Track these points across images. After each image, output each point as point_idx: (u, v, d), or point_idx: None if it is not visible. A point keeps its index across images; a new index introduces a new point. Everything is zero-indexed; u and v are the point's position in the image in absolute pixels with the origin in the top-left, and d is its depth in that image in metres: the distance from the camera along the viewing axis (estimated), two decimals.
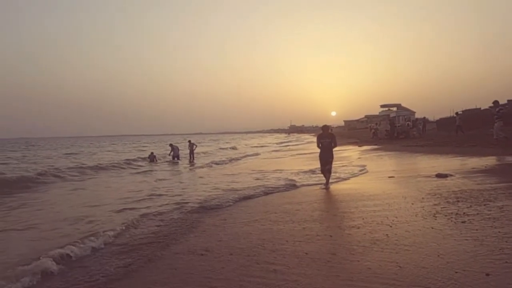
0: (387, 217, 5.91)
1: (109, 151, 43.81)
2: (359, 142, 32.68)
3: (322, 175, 10.23)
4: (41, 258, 4.53)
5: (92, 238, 5.46)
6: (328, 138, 9.85)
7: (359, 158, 18.73)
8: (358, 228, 5.43)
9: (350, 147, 28.89)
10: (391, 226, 5.37)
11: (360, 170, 13.10)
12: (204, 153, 31.14)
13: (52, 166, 19.18)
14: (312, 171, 13.38)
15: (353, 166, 14.88)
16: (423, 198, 7.25)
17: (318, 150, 10.11)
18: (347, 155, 21.54)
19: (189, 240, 5.47)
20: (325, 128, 9.98)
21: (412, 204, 6.78)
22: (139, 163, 22.27)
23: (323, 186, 9.73)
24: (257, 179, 12.59)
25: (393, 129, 33.42)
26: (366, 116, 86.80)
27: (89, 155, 35.40)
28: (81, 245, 5.09)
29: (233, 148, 40.01)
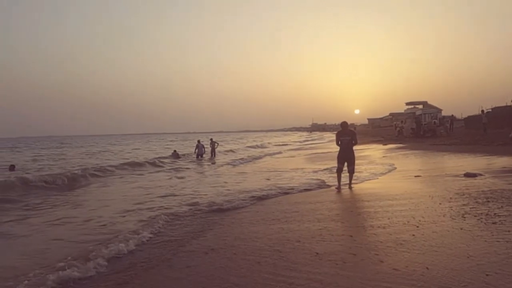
0: (414, 217, 5.77)
1: (137, 149, 44.74)
2: (384, 141, 32.08)
3: (337, 175, 9.40)
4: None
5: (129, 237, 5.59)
6: (348, 135, 9.26)
7: (384, 156, 18.40)
8: (384, 228, 5.32)
9: (375, 145, 28.42)
10: (417, 227, 5.24)
11: (385, 169, 12.86)
12: (229, 151, 31.25)
13: (98, 164, 19.62)
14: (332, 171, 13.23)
15: (378, 165, 14.64)
16: (451, 198, 7.04)
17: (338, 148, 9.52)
18: (371, 153, 21.19)
19: (208, 239, 5.50)
20: (344, 124, 9.38)
21: (440, 204, 6.60)
22: (166, 160, 22.47)
23: (336, 188, 9.12)
24: (278, 178, 12.56)
25: (419, 127, 32.65)
26: (391, 114, 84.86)
27: (122, 153, 36.25)
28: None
29: (256, 146, 39.98)
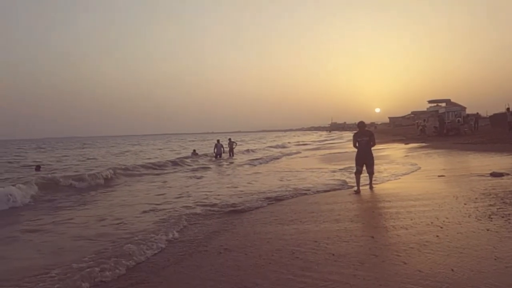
0: (437, 218, 5.63)
1: (159, 149, 45.43)
2: (406, 140, 31.49)
3: (360, 177, 8.96)
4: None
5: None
6: (365, 136, 8.83)
7: (405, 156, 18.04)
8: (406, 229, 5.21)
9: (396, 144, 27.92)
10: (441, 227, 5.11)
11: (407, 169, 12.61)
12: (248, 151, 31.27)
13: (124, 164, 19.99)
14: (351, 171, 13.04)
15: (400, 164, 14.37)
16: (476, 198, 6.84)
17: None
18: (392, 153, 20.83)
19: (222, 240, 5.52)
20: (362, 125, 8.97)
21: (465, 204, 6.42)
22: (187, 160, 22.59)
23: (355, 191, 8.69)
24: (295, 178, 12.49)
25: (442, 125, 31.89)
26: (413, 113, 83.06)
27: (143, 153, 36.93)
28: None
29: (275, 146, 39.86)
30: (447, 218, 5.59)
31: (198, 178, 14.11)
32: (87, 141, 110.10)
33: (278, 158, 24.14)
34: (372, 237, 4.98)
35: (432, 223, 5.39)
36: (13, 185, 10.26)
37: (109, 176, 14.18)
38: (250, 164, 19.91)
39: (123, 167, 17.43)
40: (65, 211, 8.40)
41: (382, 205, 7.03)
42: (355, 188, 8.80)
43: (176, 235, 5.71)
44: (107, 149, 48.57)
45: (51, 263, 4.62)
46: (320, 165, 16.49)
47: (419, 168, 12.65)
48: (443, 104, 56.90)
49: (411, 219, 5.70)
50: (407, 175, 11.35)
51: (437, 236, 4.75)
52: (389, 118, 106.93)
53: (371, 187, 8.95)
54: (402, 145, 26.32)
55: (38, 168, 18.91)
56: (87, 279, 3.95)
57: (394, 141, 32.17)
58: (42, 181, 12.02)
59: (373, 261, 4.07)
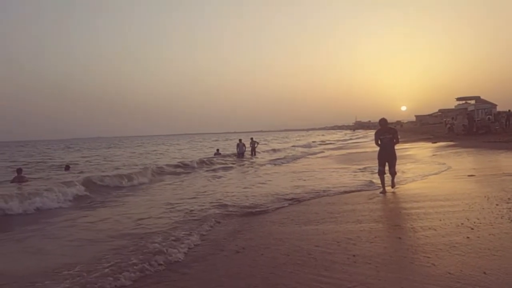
0: (468, 219, 5.46)
1: (183, 148, 46.05)
2: (433, 138, 30.69)
3: (380, 178, 8.62)
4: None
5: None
6: (388, 133, 8.43)
7: (433, 155, 17.57)
8: (435, 230, 5.08)
9: (423, 143, 27.23)
10: (472, 229, 4.96)
11: (435, 168, 12.27)
12: (271, 150, 31.22)
13: (157, 163, 20.37)
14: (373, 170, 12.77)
15: (427, 163, 14.01)
16: (509, 198, 6.59)
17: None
18: (419, 152, 20.34)
19: (242, 239, 5.54)
20: (384, 122, 8.56)
21: (497, 205, 6.19)
22: (210, 160, 22.65)
23: (381, 192, 8.36)
24: (318, 178, 12.37)
25: (471, 123, 30.90)
26: (440, 110, 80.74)
27: (168, 153, 37.59)
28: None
29: (298, 145, 39.60)
30: (478, 219, 5.42)
31: (219, 178, 14.18)
32: (113, 141, 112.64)
33: (300, 158, 23.99)
34: (399, 238, 4.88)
35: (462, 224, 5.24)
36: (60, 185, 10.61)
37: (136, 173, 14.39)
38: (272, 164, 19.85)
39: (153, 166, 17.53)
40: (101, 209, 8.68)
41: (409, 206, 6.86)
42: (381, 189, 8.52)
43: (194, 234, 5.71)
44: (133, 149, 49.61)
45: (72, 262, 4.73)
46: (343, 165, 16.26)
47: (448, 167, 12.29)
48: (473, 102, 55.06)
49: (440, 220, 5.55)
50: (435, 174, 11.03)
51: (468, 237, 4.61)
52: (416, 116, 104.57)
53: (392, 190, 8.45)
54: (430, 144, 25.65)
55: (67, 167, 19.50)
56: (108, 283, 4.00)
57: (421, 139, 31.39)
58: (86, 180, 12.25)
59: (401, 262, 3.99)
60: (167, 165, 18.86)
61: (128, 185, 12.92)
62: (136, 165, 20.78)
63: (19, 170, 13.75)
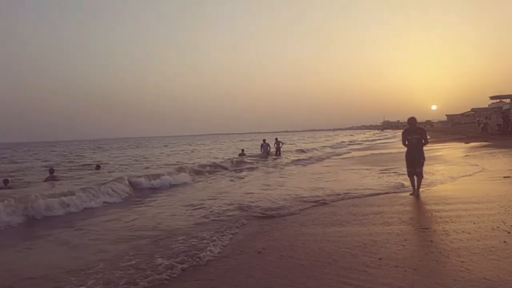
0: (504, 222, 5.19)
1: (210, 148, 46.62)
2: (466, 138, 29.55)
3: (409, 179, 8.32)
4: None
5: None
6: (416, 133, 8.05)
7: (466, 156, 16.90)
8: (469, 233, 4.86)
9: (455, 144, 26.29)
10: (509, 232, 4.70)
11: (469, 169, 11.78)
12: (296, 151, 30.96)
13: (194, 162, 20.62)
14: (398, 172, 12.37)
15: (460, 165, 13.48)
16: None
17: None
18: (451, 152, 19.64)
19: (263, 241, 5.48)
20: (412, 121, 8.13)
21: None
22: (235, 160, 22.66)
23: (411, 193, 8.06)
24: (343, 179, 12.14)
25: (506, 123, 29.56)
26: (473, 109, 77.92)
27: (195, 153, 38.16)
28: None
29: (324, 146, 39.11)
30: None
31: (243, 178, 14.18)
32: (141, 141, 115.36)
33: (326, 158, 23.70)
34: (431, 241, 4.69)
35: (498, 227, 4.98)
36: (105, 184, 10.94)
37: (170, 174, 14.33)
38: (297, 164, 19.70)
39: (188, 166, 17.61)
40: (132, 209, 8.86)
41: (441, 208, 6.59)
42: (412, 191, 8.18)
43: (218, 235, 5.67)
44: (160, 149, 50.62)
45: (95, 259, 4.85)
46: (369, 166, 15.87)
47: (482, 169, 11.77)
48: (507, 100, 52.77)
49: (474, 223, 5.30)
50: (468, 176, 10.59)
51: (505, 241, 4.38)
52: (447, 115, 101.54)
53: (417, 194, 7.95)
54: (462, 144, 24.72)
55: (98, 167, 20.09)
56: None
57: (453, 140, 30.33)
58: (133, 180, 12.47)
59: (433, 266, 3.83)
60: (199, 165, 18.86)
61: (160, 184, 12.83)
62: (168, 165, 21.11)
63: (51, 170, 14.29)
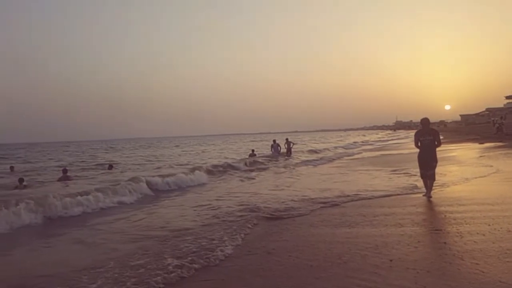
0: None
1: (220, 149, 46.74)
2: (480, 139, 29.03)
3: (422, 181, 8.19)
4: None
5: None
6: (429, 135, 7.86)
7: (480, 156, 16.59)
8: (483, 235, 4.75)
9: (469, 144, 25.86)
10: None
11: (483, 171, 11.55)
12: (307, 151, 30.76)
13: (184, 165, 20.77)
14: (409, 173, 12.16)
15: (474, 165, 13.24)
16: None
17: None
18: (465, 153, 19.31)
19: (272, 242, 5.45)
20: (426, 122, 7.94)
21: None
22: (245, 160, 22.62)
23: (424, 195, 7.89)
24: (353, 180, 12.02)
25: None
26: (488, 109, 76.60)
27: (206, 153, 38.36)
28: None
29: (336, 146, 38.83)
30: None
31: (253, 179, 14.12)
32: (152, 141, 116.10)
33: (337, 159, 23.53)
34: (445, 243, 4.60)
35: None
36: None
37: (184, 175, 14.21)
38: (308, 165, 19.58)
39: (203, 166, 17.56)
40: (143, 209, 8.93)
41: (455, 209, 6.47)
42: (424, 192, 8.01)
43: (225, 237, 5.63)
44: (171, 150, 50.97)
45: (107, 257, 4.88)
46: (381, 167, 15.66)
47: (496, 170, 11.54)
48: None
49: (489, 225, 5.19)
50: (483, 177, 10.38)
51: None
52: (461, 115, 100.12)
53: (429, 196, 7.72)
54: (477, 145, 24.29)
55: (110, 167, 20.32)
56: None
57: (467, 140, 29.85)
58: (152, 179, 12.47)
59: (446, 268, 3.75)
60: (211, 165, 18.85)
61: (176, 185, 12.76)
62: (181, 165, 21.21)
63: (64, 170, 14.51)
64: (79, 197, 9.00)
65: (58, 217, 8.03)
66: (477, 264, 3.78)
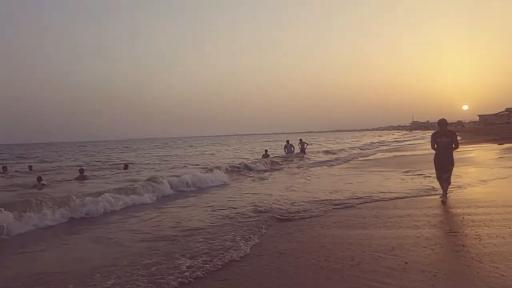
0: None
1: (234, 149, 46.80)
2: (499, 140, 28.32)
3: (438, 182, 8.04)
4: None
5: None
6: (446, 136, 7.65)
7: (500, 158, 16.18)
8: (503, 238, 4.63)
9: (488, 145, 25.26)
10: None
11: (503, 172, 11.26)
12: (321, 152, 30.53)
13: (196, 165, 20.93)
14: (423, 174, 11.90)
15: (493, 167, 12.91)
16: None
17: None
18: (484, 154, 18.87)
19: (284, 243, 5.41)
20: (443, 123, 7.75)
21: None
22: (259, 161, 22.59)
23: (440, 196, 7.74)
24: (368, 181, 11.85)
25: None
26: (507, 109, 74.77)
27: (223, 153, 38.53)
28: None
29: (352, 147, 38.39)
30: None
31: (267, 179, 14.06)
32: (167, 141, 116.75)
33: (352, 159, 23.24)
34: (463, 245, 4.49)
35: None
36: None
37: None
38: (322, 165, 19.42)
39: (222, 167, 17.47)
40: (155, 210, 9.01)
41: (473, 211, 6.32)
42: (441, 194, 7.79)
43: (237, 237, 5.63)
44: (185, 150, 51.22)
45: (114, 255, 4.92)
46: (397, 168, 15.42)
47: None
48: None
49: (509, 228, 5.05)
50: (502, 179, 10.11)
51: None
52: (479, 116, 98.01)
53: (443, 200, 7.48)
54: (496, 146, 23.71)
55: (126, 166, 20.56)
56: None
57: (486, 141, 29.16)
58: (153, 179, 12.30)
59: (465, 271, 3.66)
60: (230, 166, 18.84)
61: (195, 186, 12.60)
62: (197, 165, 21.29)
63: (81, 170, 14.79)
64: (98, 197, 9.02)
65: (80, 217, 8.10)
66: (496, 267, 3.68)
